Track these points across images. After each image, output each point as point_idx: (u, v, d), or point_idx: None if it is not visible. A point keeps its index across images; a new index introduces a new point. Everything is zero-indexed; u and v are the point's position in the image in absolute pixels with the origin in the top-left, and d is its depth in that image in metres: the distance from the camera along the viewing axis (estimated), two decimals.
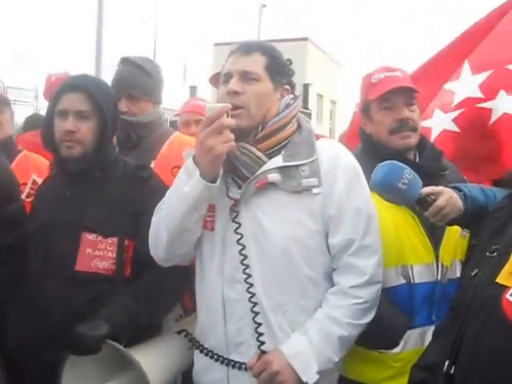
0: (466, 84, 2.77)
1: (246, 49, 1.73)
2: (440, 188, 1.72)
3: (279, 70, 1.74)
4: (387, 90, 1.96)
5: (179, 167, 2.35)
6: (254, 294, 1.61)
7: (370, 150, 2.02)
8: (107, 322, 1.75)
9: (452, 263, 1.92)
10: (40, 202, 2.05)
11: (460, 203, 1.70)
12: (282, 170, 1.63)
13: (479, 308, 1.36)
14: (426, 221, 1.86)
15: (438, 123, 2.79)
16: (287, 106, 1.73)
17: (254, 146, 1.66)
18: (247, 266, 1.62)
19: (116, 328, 1.76)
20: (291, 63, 1.82)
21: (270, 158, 1.66)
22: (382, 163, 1.74)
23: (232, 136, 1.57)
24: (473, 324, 1.36)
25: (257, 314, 1.61)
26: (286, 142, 1.69)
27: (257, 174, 1.63)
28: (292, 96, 1.77)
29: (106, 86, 2.09)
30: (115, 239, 1.89)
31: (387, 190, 1.72)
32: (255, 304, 1.61)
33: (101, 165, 1.97)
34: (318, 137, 1.76)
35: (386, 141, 1.98)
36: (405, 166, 1.71)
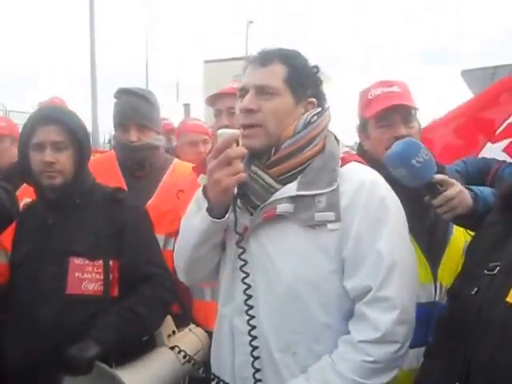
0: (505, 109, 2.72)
1: (264, 58, 1.53)
2: (452, 180, 1.67)
3: (302, 80, 1.52)
4: (383, 108, 1.90)
5: (183, 191, 2.41)
6: (254, 327, 1.49)
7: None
8: (97, 343, 1.78)
9: None
10: (22, 232, 2.08)
11: (470, 200, 1.66)
12: (295, 199, 1.45)
13: (489, 329, 1.32)
14: (424, 242, 1.83)
15: (490, 155, 2.71)
16: (307, 124, 1.51)
17: (265, 171, 1.49)
18: (249, 297, 1.49)
19: (106, 349, 1.78)
20: (318, 71, 1.60)
21: (284, 184, 1.48)
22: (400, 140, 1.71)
23: (241, 167, 1.43)
24: (484, 344, 1.32)
25: (255, 348, 1.49)
26: (304, 165, 1.49)
27: (266, 203, 1.47)
28: (316, 111, 1.55)
29: (77, 115, 2.13)
30: (101, 261, 1.94)
31: (400, 164, 1.63)
32: (254, 338, 1.49)
33: (79, 192, 2.03)
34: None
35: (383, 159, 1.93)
36: (422, 145, 1.65)
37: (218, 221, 1.47)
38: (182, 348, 1.89)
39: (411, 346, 1.76)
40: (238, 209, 1.54)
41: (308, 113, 1.53)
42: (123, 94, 2.59)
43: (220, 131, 1.45)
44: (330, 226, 1.43)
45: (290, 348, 1.48)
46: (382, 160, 1.91)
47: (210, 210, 1.48)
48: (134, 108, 2.51)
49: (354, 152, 1.73)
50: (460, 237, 1.90)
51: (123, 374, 1.75)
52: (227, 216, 1.48)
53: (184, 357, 1.90)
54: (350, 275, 1.45)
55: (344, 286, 1.46)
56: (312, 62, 1.59)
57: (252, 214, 1.51)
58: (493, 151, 2.74)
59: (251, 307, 1.49)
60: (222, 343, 1.61)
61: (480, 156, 2.73)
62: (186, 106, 20.54)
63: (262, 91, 1.49)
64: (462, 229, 1.87)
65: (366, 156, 1.99)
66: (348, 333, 1.46)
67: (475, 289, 1.39)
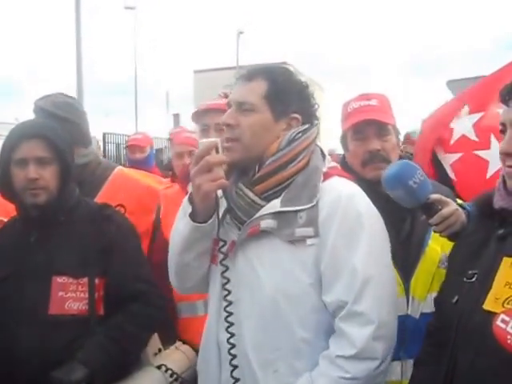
0: (463, 122, 2.76)
1: (248, 75, 1.59)
2: (448, 199, 1.72)
3: (283, 96, 1.54)
4: (357, 122, 1.94)
5: (122, 205, 2.26)
6: (233, 346, 1.50)
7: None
8: (84, 365, 1.72)
9: (427, 296, 1.86)
10: (1, 252, 1.98)
11: (464, 218, 1.71)
12: (278, 215, 1.48)
13: (469, 336, 1.34)
14: (398, 255, 1.84)
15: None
16: (291, 141, 1.53)
17: (249, 187, 1.53)
18: (230, 314, 1.51)
19: (94, 370, 1.73)
20: (307, 86, 1.61)
21: (268, 201, 1.51)
22: (396, 162, 1.77)
23: (221, 173, 1.47)
24: (464, 354, 1.34)
25: (235, 367, 1.51)
26: (288, 181, 1.52)
27: (252, 219, 1.51)
28: (301, 128, 1.56)
29: (60, 129, 2.04)
30: (86, 279, 1.87)
31: (398, 186, 1.68)
32: (234, 357, 1.51)
33: (64, 208, 1.96)
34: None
35: (360, 172, 1.97)
36: (418, 166, 1.71)
37: (199, 225, 1.50)
38: (169, 366, 1.86)
39: None
40: (226, 224, 1.58)
41: (293, 130, 1.55)
42: (38, 112, 2.35)
43: (201, 140, 1.53)
44: (308, 241, 1.47)
45: (272, 365, 1.49)
46: (359, 173, 1.97)
47: (194, 216, 1.52)
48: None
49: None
50: (436, 248, 1.91)
51: None
52: (210, 221, 1.52)
53: (171, 375, 1.86)
54: (327, 289, 1.47)
55: (323, 299, 1.48)
56: (304, 72, 1.62)
57: (240, 229, 1.55)
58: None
59: (231, 324, 1.51)
60: (209, 357, 1.62)
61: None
62: (176, 117, 20.47)
63: (241, 107, 1.55)
64: (440, 241, 1.88)
65: (347, 168, 2.04)
66: (328, 348, 1.47)
67: (456, 297, 1.43)
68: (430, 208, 1.70)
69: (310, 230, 1.46)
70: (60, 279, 1.86)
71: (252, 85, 1.56)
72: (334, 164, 1.66)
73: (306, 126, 1.58)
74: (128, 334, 1.85)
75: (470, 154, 2.67)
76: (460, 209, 1.73)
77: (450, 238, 1.77)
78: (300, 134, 1.55)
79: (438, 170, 2.75)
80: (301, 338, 1.48)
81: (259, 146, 1.54)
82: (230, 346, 1.51)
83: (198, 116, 2.39)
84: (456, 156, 2.70)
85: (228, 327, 1.51)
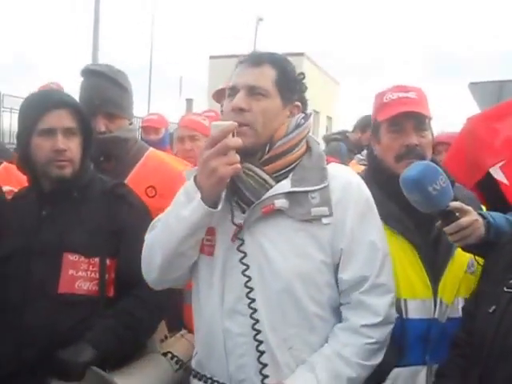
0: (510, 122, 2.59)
1: (256, 60, 1.60)
2: (468, 207, 1.63)
3: (290, 85, 1.61)
4: (396, 113, 1.85)
5: (154, 187, 2.26)
6: (259, 332, 1.49)
7: (375, 172, 1.92)
8: (93, 346, 1.69)
9: (454, 301, 1.80)
10: (10, 224, 1.90)
11: (483, 230, 1.62)
12: (289, 195, 1.52)
13: (507, 351, 1.28)
14: (426, 255, 1.79)
15: None
16: (297, 126, 1.61)
17: (260, 167, 1.55)
18: (253, 300, 1.50)
19: (102, 353, 1.70)
20: (304, 77, 1.69)
21: (277, 182, 1.55)
22: (417, 162, 1.65)
23: (238, 158, 1.44)
24: (501, 369, 1.28)
25: (262, 353, 1.50)
26: (293, 165, 1.58)
27: (263, 198, 1.52)
28: (303, 115, 1.65)
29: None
30: (97, 259, 1.83)
31: (415, 190, 1.59)
32: (261, 342, 1.50)
33: (78, 184, 1.90)
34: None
35: (392, 166, 1.87)
36: (441, 170, 1.60)
37: (213, 210, 1.46)
38: (175, 354, 1.84)
39: (406, 364, 1.75)
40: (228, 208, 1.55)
41: (297, 116, 1.63)
42: (91, 75, 2.30)
43: (215, 123, 1.48)
44: (324, 220, 1.53)
45: (286, 342, 1.52)
46: (389, 167, 1.88)
47: (203, 201, 1.47)
48: (103, 94, 2.23)
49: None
50: (464, 252, 1.82)
51: (119, 381, 1.67)
52: (220, 207, 1.49)
53: (177, 363, 1.84)
54: (345, 267, 1.55)
55: (338, 277, 1.55)
56: (319, 64, 1.63)
57: (244, 212, 1.54)
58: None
59: (253, 300, 1.50)
60: (213, 348, 1.58)
61: None
62: (189, 102, 20.35)
63: (253, 91, 1.56)
64: None
65: (374, 162, 1.97)
66: (340, 322, 1.56)
67: (493, 307, 1.36)
68: (448, 216, 1.60)
69: (325, 210, 1.53)
70: (72, 257, 1.80)
71: (262, 70, 1.58)
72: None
73: (304, 114, 1.66)
74: (138, 320, 1.81)
75: None
76: (480, 219, 1.62)
77: (464, 248, 1.70)
78: (303, 121, 1.63)
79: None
80: (314, 314, 1.54)
81: (269, 132, 1.57)
82: (253, 322, 1.50)
83: (219, 95, 2.28)
84: (503, 158, 2.52)
85: (250, 303, 1.50)
